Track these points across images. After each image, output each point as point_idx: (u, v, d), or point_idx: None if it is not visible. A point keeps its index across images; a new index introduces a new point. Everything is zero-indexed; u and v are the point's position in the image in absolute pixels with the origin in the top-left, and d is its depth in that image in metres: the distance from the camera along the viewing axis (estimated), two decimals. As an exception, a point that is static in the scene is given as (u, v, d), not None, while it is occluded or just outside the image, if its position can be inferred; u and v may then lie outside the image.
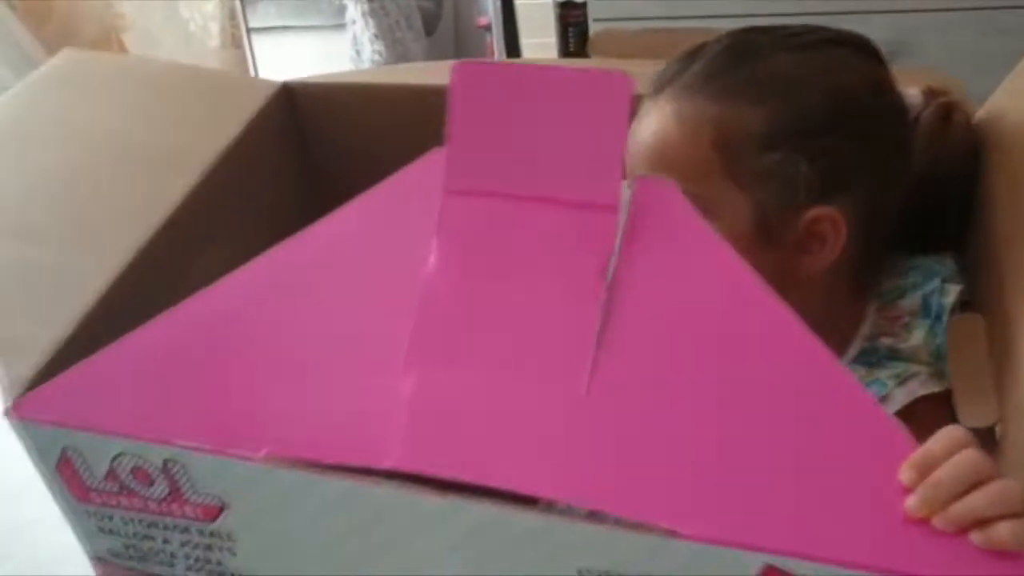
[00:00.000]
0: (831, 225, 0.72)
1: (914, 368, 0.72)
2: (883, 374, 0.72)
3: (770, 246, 0.69)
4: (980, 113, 0.81)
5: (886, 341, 0.74)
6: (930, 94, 0.80)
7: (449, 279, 0.57)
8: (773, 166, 0.71)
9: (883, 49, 1.02)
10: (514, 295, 0.56)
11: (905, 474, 0.48)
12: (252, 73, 2.00)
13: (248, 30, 2.05)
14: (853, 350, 0.75)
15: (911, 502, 0.47)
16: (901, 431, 0.50)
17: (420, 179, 0.60)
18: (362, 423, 0.54)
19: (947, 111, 0.79)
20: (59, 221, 0.76)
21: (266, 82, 1.01)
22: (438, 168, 0.59)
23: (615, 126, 0.56)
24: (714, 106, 0.73)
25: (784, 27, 0.77)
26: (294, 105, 1.02)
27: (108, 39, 2.23)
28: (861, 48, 0.77)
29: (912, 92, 0.79)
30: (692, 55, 0.76)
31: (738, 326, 0.54)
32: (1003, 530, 0.46)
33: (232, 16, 2.10)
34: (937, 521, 0.47)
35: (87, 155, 0.85)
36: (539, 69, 0.58)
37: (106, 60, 1.22)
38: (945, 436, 0.49)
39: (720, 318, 0.55)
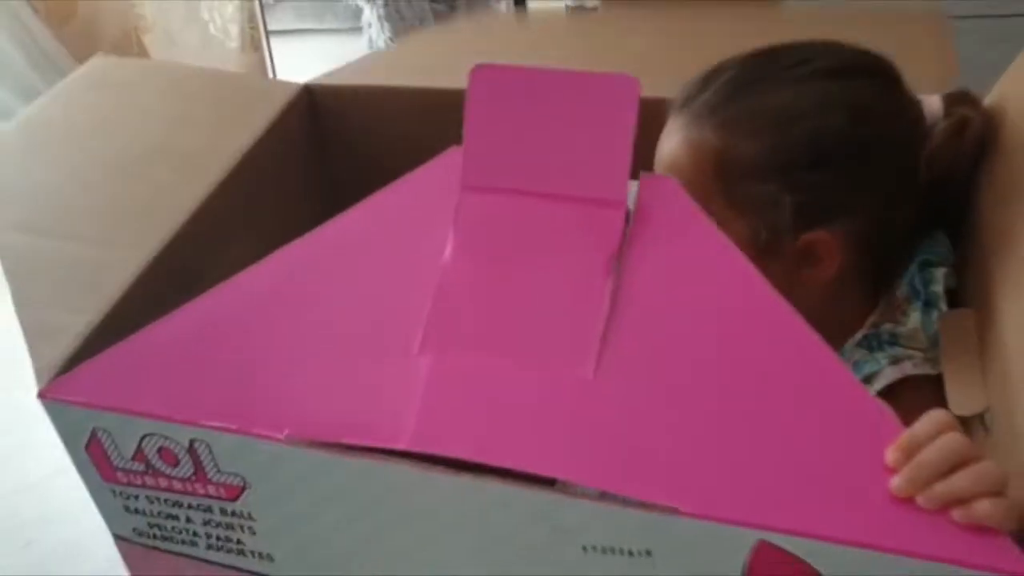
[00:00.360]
0: (824, 248, 0.76)
1: (910, 351, 0.74)
2: (880, 355, 0.75)
3: (771, 262, 0.71)
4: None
5: (888, 327, 0.77)
6: (950, 102, 0.82)
7: (464, 269, 0.60)
8: (765, 196, 0.75)
9: None
10: (526, 285, 0.59)
11: (891, 455, 0.51)
12: (270, 74, 2.03)
13: (267, 32, 2.08)
14: (858, 335, 0.78)
15: (896, 482, 0.50)
16: (889, 416, 0.53)
17: (438, 176, 0.63)
18: (379, 405, 0.56)
19: (962, 126, 0.80)
20: (90, 217, 0.80)
21: (287, 84, 1.04)
22: (455, 165, 0.62)
23: (623, 126, 0.59)
24: (716, 137, 0.77)
25: (800, 49, 0.80)
26: (314, 106, 1.05)
27: (129, 40, 2.26)
28: (873, 73, 0.79)
29: (932, 100, 0.81)
30: (707, 80, 0.80)
31: (736, 316, 0.57)
32: (982, 507, 0.49)
33: (251, 19, 2.13)
34: (921, 500, 0.50)
35: (117, 155, 0.88)
36: (551, 72, 0.61)
37: (134, 65, 1.26)
38: (929, 420, 0.52)
39: (720, 308, 0.58)
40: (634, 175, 0.60)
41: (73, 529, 1.55)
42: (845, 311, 0.79)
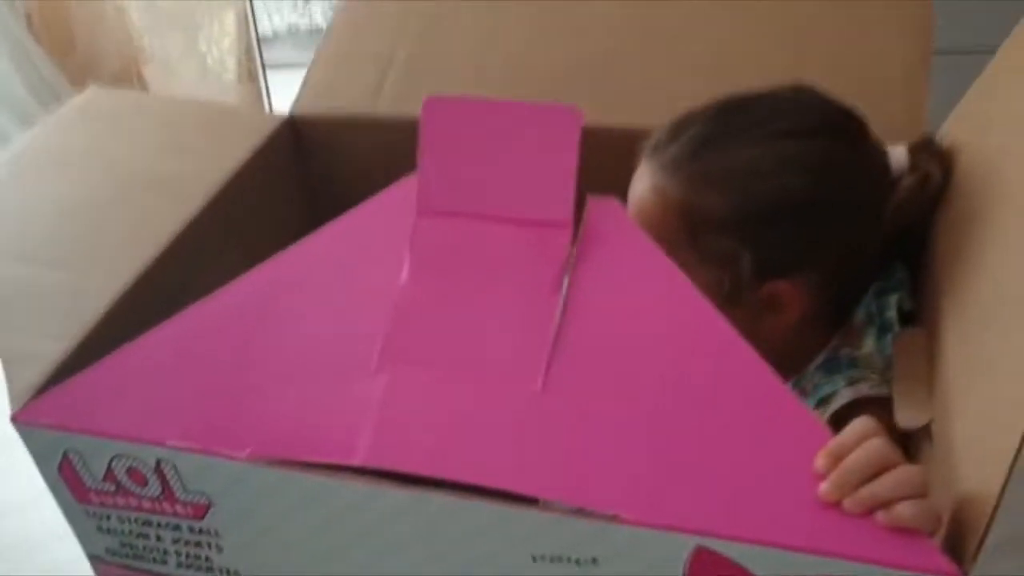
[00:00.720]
0: (787, 297, 0.78)
1: (866, 373, 0.77)
2: (838, 377, 0.78)
3: (735, 308, 0.72)
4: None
5: (846, 351, 0.80)
6: (915, 151, 0.82)
7: (419, 290, 0.63)
8: (727, 249, 0.77)
9: None
10: (478, 304, 0.62)
11: (819, 462, 0.53)
12: (266, 106, 2.06)
13: (263, 65, 2.12)
14: (818, 360, 0.80)
15: (824, 487, 0.52)
16: (818, 425, 0.55)
17: (394, 202, 0.66)
18: (336, 423, 0.59)
19: (925, 181, 0.81)
20: (71, 244, 0.82)
21: (272, 116, 1.07)
22: (411, 192, 0.64)
23: (567, 153, 0.62)
24: (682, 191, 0.79)
25: (769, 104, 0.81)
26: (299, 136, 1.07)
27: (129, 71, 2.30)
28: (840, 132, 0.81)
29: (898, 152, 0.82)
30: (676, 130, 0.81)
31: (676, 332, 0.60)
32: (904, 510, 0.51)
33: (248, 51, 2.17)
34: (847, 503, 0.52)
35: (102, 183, 0.90)
36: (500, 104, 0.64)
37: (126, 97, 1.28)
38: (855, 428, 0.54)
39: (660, 325, 0.60)
40: (580, 198, 0.63)
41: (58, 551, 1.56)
42: (806, 343, 0.81)
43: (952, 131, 0.83)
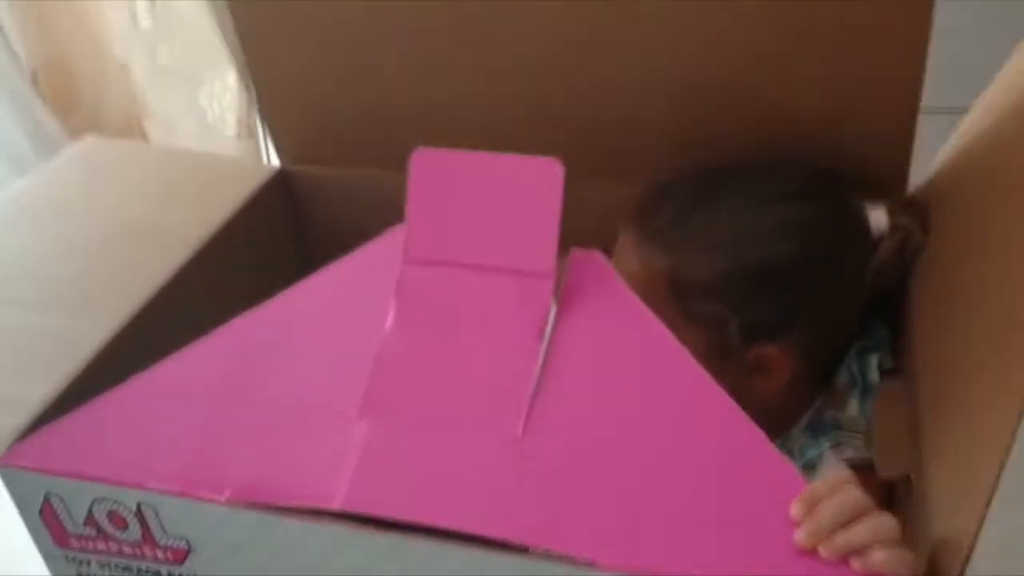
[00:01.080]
0: (775, 361, 0.79)
1: (850, 436, 0.77)
2: (824, 439, 0.78)
3: (724, 370, 0.73)
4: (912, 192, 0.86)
5: (830, 413, 0.80)
6: (894, 213, 0.83)
7: (401, 337, 0.63)
8: (715, 314, 0.78)
9: None
10: (459, 351, 0.63)
11: (795, 509, 0.53)
12: (266, 162, 2.07)
13: (263, 121, 2.13)
14: (804, 421, 0.80)
15: (799, 534, 0.52)
16: (794, 474, 0.56)
17: (380, 252, 0.67)
18: (316, 468, 0.59)
19: (904, 242, 0.81)
20: (60, 289, 0.83)
21: (265, 166, 1.08)
22: (397, 242, 0.65)
23: (550, 204, 0.63)
24: (668, 258, 0.79)
25: (752, 169, 0.82)
26: (290, 188, 1.08)
27: (131, 127, 2.31)
28: (823, 196, 0.81)
29: (878, 213, 0.82)
30: (662, 196, 0.82)
31: (656, 383, 0.60)
32: (878, 556, 0.51)
33: (248, 108, 2.18)
34: (822, 550, 0.52)
35: (94, 230, 0.91)
36: (486, 157, 0.65)
37: (122, 146, 1.30)
38: (830, 476, 0.54)
39: (641, 375, 0.61)
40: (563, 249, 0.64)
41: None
42: (792, 403, 0.82)
43: (934, 182, 0.84)
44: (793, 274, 0.78)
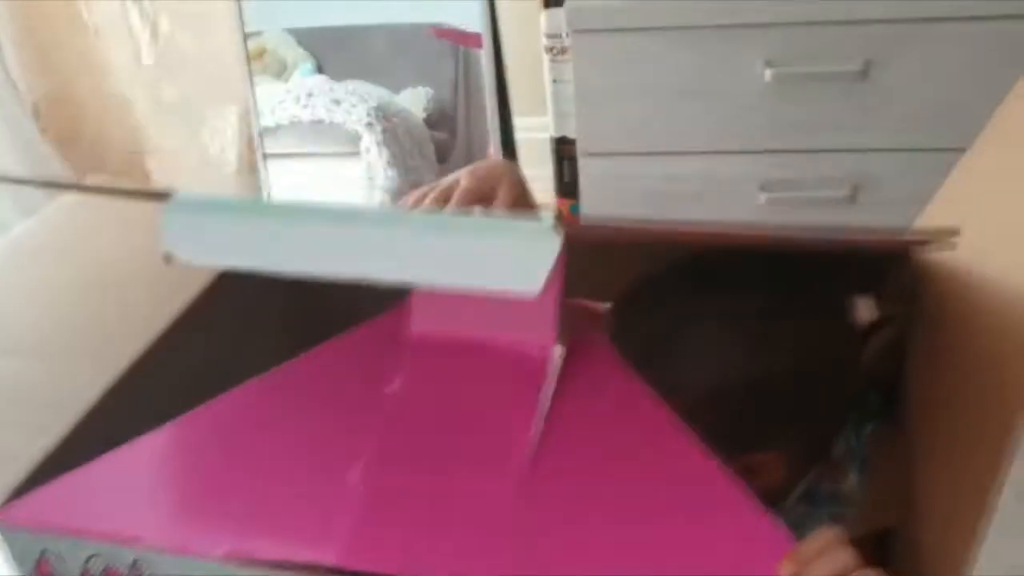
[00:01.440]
0: (767, 465, 0.76)
1: (848, 510, 0.77)
2: (822, 513, 0.77)
3: None
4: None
5: (827, 485, 0.79)
6: (881, 304, 0.81)
7: (403, 403, 0.64)
8: (708, 427, 0.70)
9: (844, 183, 1.00)
10: (458, 416, 0.64)
11: (783, 569, 0.53)
12: (265, 197, 2.08)
13: (264, 156, 2.14)
14: (798, 490, 0.80)
15: None
16: (783, 534, 0.56)
17: (385, 325, 0.68)
18: (311, 525, 0.59)
19: (895, 333, 0.80)
20: (56, 337, 0.83)
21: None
22: (399, 320, 0.67)
23: (552, 278, 0.61)
24: (653, 372, 0.73)
25: (738, 275, 0.77)
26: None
27: (132, 161, 2.33)
28: (809, 305, 0.78)
29: (865, 306, 0.81)
30: (643, 306, 0.78)
31: (650, 452, 0.62)
32: None
33: (249, 144, 2.19)
34: None
35: (91, 277, 0.92)
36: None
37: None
38: (819, 535, 0.55)
39: (636, 446, 0.62)
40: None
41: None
42: (788, 484, 0.80)
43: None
44: (781, 388, 0.75)
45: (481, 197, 0.85)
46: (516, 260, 0.60)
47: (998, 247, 0.66)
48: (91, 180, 1.10)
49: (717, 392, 0.74)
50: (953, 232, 0.61)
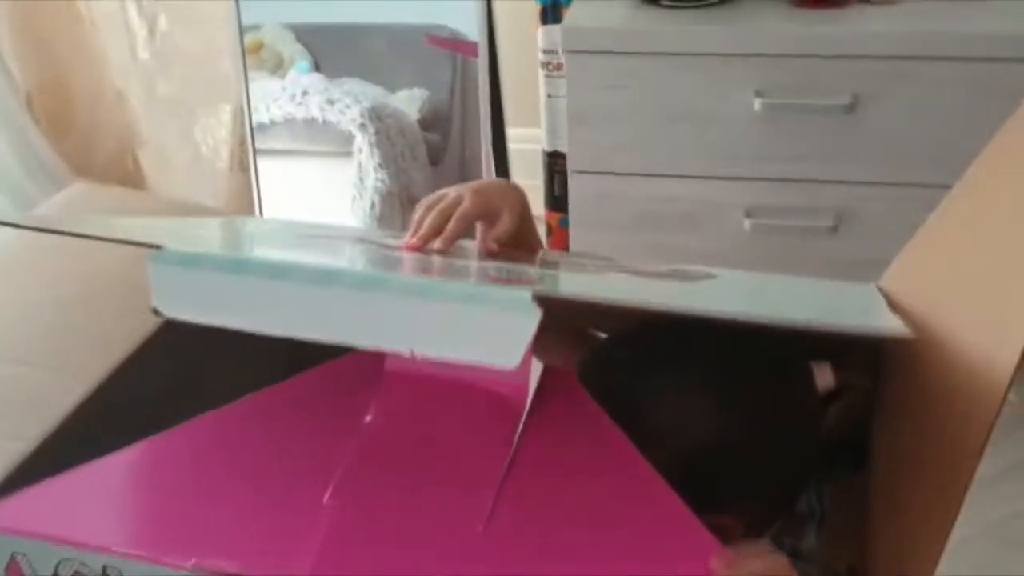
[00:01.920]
0: (725, 526, 0.72)
1: (809, 567, 0.78)
2: None
3: None
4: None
5: (788, 540, 0.80)
6: (839, 372, 0.80)
7: (379, 430, 0.65)
8: None
9: (830, 215, 0.98)
10: (432, 450, 0.65)
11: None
12: (255, 196, 2.09)
13: (255, 154, 2.15)
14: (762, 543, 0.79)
15: None
16: None
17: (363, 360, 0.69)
18: (282, 541, 0.60)
19: (856, 398, 0.80)
20: (41, 342, 0.84)
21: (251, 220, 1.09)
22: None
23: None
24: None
25: (696, 343, 0.75)
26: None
27: (124, 155, 2.33)
28: (772, 371, 0.77)
29: (822, 373, 0.79)
30: (602, 375, 0.76)
31: (616, 493, 0.63)
32: None
33: (242, 142, 2.20)
34: None
35: (75, 282, 0.93)
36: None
37: (111, 195, 1.31)
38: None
39: (602, 484, 0.64)
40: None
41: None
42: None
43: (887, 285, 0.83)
44: (737, 455, 0.74)
45: (482, 219, 0.86)
46: (494, 332, 0.62)
47: (954, 308, 0.67)
48: (81, 180, 1.11)
49: (674, 456, 0.69)
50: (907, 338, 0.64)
